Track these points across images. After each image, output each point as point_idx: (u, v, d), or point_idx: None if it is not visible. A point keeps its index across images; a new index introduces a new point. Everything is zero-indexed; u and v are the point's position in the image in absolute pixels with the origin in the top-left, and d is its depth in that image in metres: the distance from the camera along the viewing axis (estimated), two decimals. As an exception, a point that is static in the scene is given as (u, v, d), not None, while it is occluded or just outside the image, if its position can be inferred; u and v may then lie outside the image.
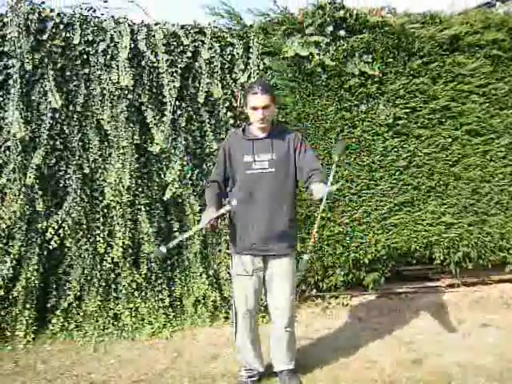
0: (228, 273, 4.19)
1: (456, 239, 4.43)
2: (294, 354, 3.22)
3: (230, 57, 4.11)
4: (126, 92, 3.87)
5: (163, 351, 3.72)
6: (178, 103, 3.99)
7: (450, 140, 4.37)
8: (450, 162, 4.39)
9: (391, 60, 4.22)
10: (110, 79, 3.85)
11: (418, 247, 4.41)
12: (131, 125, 3.91)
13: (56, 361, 3.60)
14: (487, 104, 4.41)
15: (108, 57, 3.87)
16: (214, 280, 4.22)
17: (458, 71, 4.32)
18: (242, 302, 3.01)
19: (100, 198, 3.98)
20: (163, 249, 2.70)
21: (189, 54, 4.00)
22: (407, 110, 4.29)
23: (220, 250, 4.21)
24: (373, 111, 4.26)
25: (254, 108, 2.86)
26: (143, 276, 4.03)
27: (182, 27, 4.03)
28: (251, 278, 2.98)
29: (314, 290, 4.42)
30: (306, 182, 2.91)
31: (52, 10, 3.84)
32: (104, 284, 4.00)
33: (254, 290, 3.01)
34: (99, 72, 3.87)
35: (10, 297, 3.84)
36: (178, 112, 4.01)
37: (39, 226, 3.86)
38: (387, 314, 4.27)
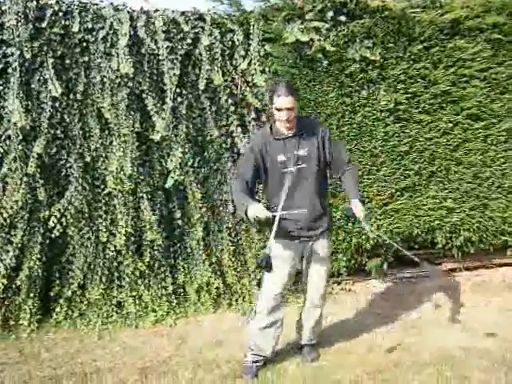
0: (231, 260, 4.20)
1: (458, 224, 4.43)
2: (319, 331, 3.38)
3: (230, 43, 4.09)
4: (126, 80, 3.85)
5: (167, 338, 3.74)
6: (178, 90, 3.97)
7: (451, 125, 4.36)
8: (451, 147, 4.39)
9: (392, 45, 4.20)
10: (109, 67, 3.83)
11: (419, 232, 4.42)
12: (132, 113, 3.90)
13: (60, 349, 3.61)
14: (488, 88, 4.39)
15: (108, 44, 3.84)
16: (217, 267, 4.23)
17: (458, 56, 4.30)
18: (277, 284, 3.08)
19: (102, 187, 3.97)
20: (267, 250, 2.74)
21: (189, 41, 3.98)
22: (408, 95, 4.27)
23: (222, 238, 4.22)
24: (374, 97, 4.25)
25: (279, 109, 2.92)
26: (146, 264, 4.04)
27: (182, 14, 4.00)
28: (288, 262, 3.08)
29: (317, 276, 4.43)
30: (339, 175, 3.12)
31: (50, -2, 3.81)
32: (107, 272, 4.01)
33: (289, 275, 3.11)
34: (99, 60, 3.85)
35: (14, 286, 3.84)
36: (179, 99, 4.00)
37: (41, 215, 3.85)
38: (390, 298, 4.29)
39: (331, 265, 3.32)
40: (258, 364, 3.18)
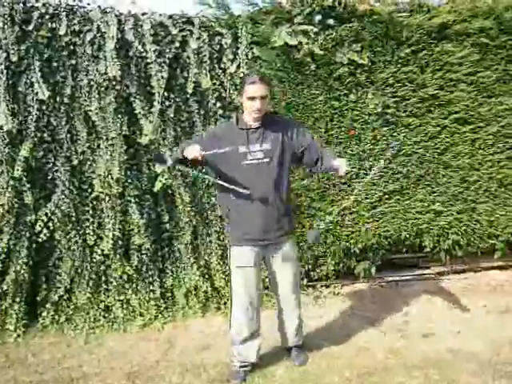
0: (219, 263, 4.19)
1: (446, 227, 4.45)
2: (302, 332, 3.35)
3: (218, 46, 4.08)
4: (114, 83, 3.83)
5: (155, 343, 3.72)
6: (166, 94, 3.95)
7: (438, 128, 4.38)
8: (439, 151, 4.41)
9: (380, 49, 4.22)
10: (97, 70, 3.81)
11: (408, 235, 4.43)
12: (119, 116, 3.88)
13: (47, 354, 3.58)
14: (475, 92, 4.41)
15: (95, 47, 3.82)
16: (205, 271, 4.21)
17: (446, 59, 4.32)
18: (244, 293, 3.03)
19: (89, 190, 3.94)
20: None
21: (177, 44, 3.96)
22: (396, 99, 4.28)
23: (211, 241, 4.20)
24: (362, 100, 4.26)
25: (252, 98, 2.84)
26: (134, 268, 4.01)
27: (170, 17, 3.99)
28: (252, 268, 3.01)
29: (305, 280, 4.42)
30: (316, 162, 2.98)
31: (37, 0, 3.77)
32: (94, 276, 3.98)
33: (256, 281, 3.05)
34: (86, 63, 3.83)
35: (0, 290, 3.80)
36: (167, 103, 3.98)
37: (28, 218, 3.82)
38: (378, 302, 4.29)
39: (299, 269, 3.24)
40: (245, 369, 3.17)
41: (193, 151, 2.75)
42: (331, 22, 4.14)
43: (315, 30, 4.09)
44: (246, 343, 3.13)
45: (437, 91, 4.32)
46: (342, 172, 2.80)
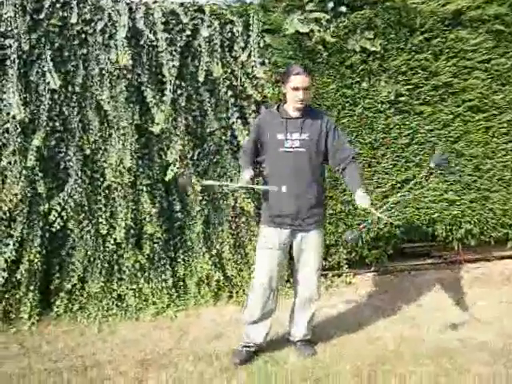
0: (231, 253, 4.19)
1: (458, 216, 4.42)
2: (311, 327, 3.34)
3: (229, 34, 4.06)
4: (125, 72, 3.83)
5: (167, 331, 3.74)
6: (177, 82, 3.94)
7: (452, 117, 4.34)
8: (452, 139, 4.37)
9: (393, 36, 4.18)
10: (108, 59, 3.81)
11: (420, 224, 4.41)
12: (131, 105, 3.88)
13: (61, 342, 3.61)
14: (489, 80, 4.36)
15: (106, 36, 3.82)
16: (217, 260, 4.22)
17: (460, 47, 4.27)
18: (265, 274, 3.10)
19: (101, 180, 3.96)
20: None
21: (188, 33, 3.95)
22: (409, 87, 4.25)
23: (223, 230, 4.21)
24: (374, 88, 4.23)
25: (296, 88, 2.95)
26: (146, 257, 4.03)
27: (181, 5, 3.97)
28: (277, 251, 3.08)
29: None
30: (339, 169, 3.09)
31: (48, -11, 3.78)
32: (107, 265, 4.00)
33: (279, 264, 3.11)
34: (98, 52, 3.83)
35: (14, 279, 3.83)
36: (178, 91, 3.97)
37: (41, 208, 3.85)
38: (390, 291, 4.28)
39: (322, 259, 3.28)
40: (248, 349, 3.20)
41: (244, 179, 3.05)
42: (343, 9, 4.10)
43: (327, 17, 4.06)
44: (255, 324, 3.18)
45: (450, 79, 4.28)
46: (359, 206, 2.93)
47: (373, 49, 4.11)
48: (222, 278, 4.17)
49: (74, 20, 3.73)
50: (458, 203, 4.41)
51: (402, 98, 4.25)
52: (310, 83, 3.01)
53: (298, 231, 3.10)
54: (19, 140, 3.74)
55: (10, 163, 3.76)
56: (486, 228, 4.50)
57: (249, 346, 3.21)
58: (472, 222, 4.45)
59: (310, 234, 3.11)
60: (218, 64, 3.99)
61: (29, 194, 3.80)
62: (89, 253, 3.97)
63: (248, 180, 3.03)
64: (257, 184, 3.30)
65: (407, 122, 4.30)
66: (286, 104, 3.10)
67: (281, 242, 3.08)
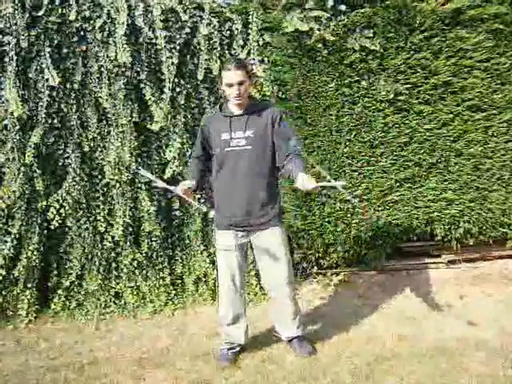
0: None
1: (457, 215, 4.41)
2: (301, 320, 3.27)
3: (228, 33, 4.05)
4: (124, 69, 3.83)
5: (165, 329, 3.74)
6: (176, 80, 3.94)
7: (451, 116, 4.32)
8: (452, 138, 4.35)
9: (392, 35, 4.16)
10: (107, 56, 3.80)
11: (418, 223, 4.40)
12: (130, 102, 3.88)
13: (58, 339, 3.62)
14: (489, 79, 4.34)
15: (105, 33, 3.82)
16: (215, 258, 4.21)
17: (459, 46, 4.25)
18: (227, 276, 3.09)
19: (99, 177, 3.96)
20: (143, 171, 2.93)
21: (187, 30, 3.95)
22: (408, 86, 4.23)
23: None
24: (373, 87, 4.22)
25: (229, 85, 2.88)
26: (144, 255, 4.03)
27: (180, 2, 3.96)
28: (235, 252, 3.05)
29: (315, 268, 4.42)
30: (282, 163, 2.95)
31: (47, -14, 3.77)
32: (105, 263, 4.01)
33: (238, 265, 3.09)
34: (96, 49, 3.82)
35: (12, 276, 3.84)
36: (177, 89, 3.97)
37: (39, 205, 3.85)
38: (388, 290, 4.28)
39: (288, 256, 3.15)
40: (233, 351, 3.19)
41: (182, 189, 2.99)
42: (343, 7, 4.11)
43: (327, 15, 4.05)
44: (233, 325, 3.18)
45: (450, 78, 4.26)
46: (304, 187, 2.73)
47: (372, 47, 4.10)
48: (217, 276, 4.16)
49: (72, 17, 3.73)
50: (456, 202, 4.40)
51: (402, 97, 4.23)
52: (242, 77, 2.87)
53: (253, 231, 3.05)
54: (17, 137, 3.74)
55: (8, 160, 3.77)
56: (484, 227, 4.48)
57: (233, 348, 3.20)
58: (471, 221, 4.43)
59: (265, 233, 3.05)
60: (217, 62, 3.99)
61: (27, 191, 3.81)
62: (87, 250, 3.97)
63: (184, 189, 2.97)
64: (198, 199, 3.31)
65: (406, 121, 4.28)
66: (228, 102, 3.02)
67: (237, 244, 3.04)
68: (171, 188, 2.97)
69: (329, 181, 2.74)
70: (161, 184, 2.97)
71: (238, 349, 3.21)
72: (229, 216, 3.02)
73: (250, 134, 2.93)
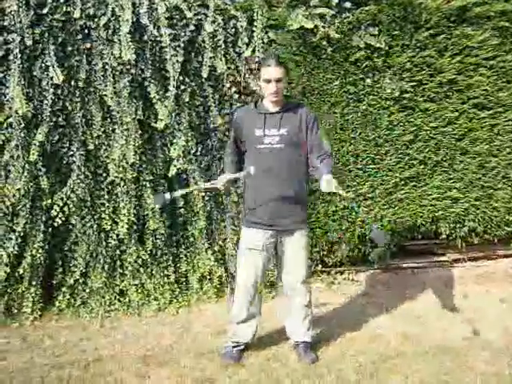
0: (234, 249, 4.18)
1: (462, 214, 4.40)
2: (311, 326, 3.23)
3: (233, 30, 4.04)
4: (129, 67, 3.82)
5: (169, 327, 3.74)
6: (181, 78, 3.93)
7: (456, 114, 4.32)
8: (457, 136, 4.34)
9: (397, 32, 4.15)
10: (112, 54, 3.79)
11: (423, 222, 4.39)
12: (134, 100, 3.87)
13: (63, 337, 3.61)
14: (495, 77, 4.33)
15: (110, 31, 3.80)
16: (220, 256, 4.22)
17: (465, 43, 4.24)
18: (248, 275, 3.05)
19: (104, 175, 3.95)
20: (167, 195, 2.81)
21: (192, 28, 3.93)
22: (413, 84, 4.23)
23: (225, 226, 4.20)
24: (378, 85, 4.21)
25: (268, 81, 2.87)
26: (148, 252, 4.03)
27: (185, 0, 3.95)
28: (261, 252, 3.01)
29: (320, 266, 4.42)
30: (314, 164, 2.93)
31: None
32: (109, 260, 4.00)
33: (263, 265, 3.05)
34: (101, 47, 3.81)
35: (16, 274, 3.84)
36: (182, 87, 3.96)
37: (44, 203, 3.85)
38: (393, 288, 4.28)
39: (307, 259, 3.16)
40: (238, 348, 3.18)
41: (221, 180, 3.00)
42: (348, 4, 4.08)
43: (332, 12, 4.04)
44: (243, 324, 3.15)
45: (455, 76, 4.25)
46: (323, 189, 2.75)
47: (377, 45, 4.09)
48: (224, 274, 4.17)
49: (77, 15, 3.71)
50: (461, 201, 4.39)
51: (407, 95, 4.23)
52: (282, 74, 2.88)
53: (281, 232, 3.01)
54: (22, 135, 3.74)
55: (12, 158, 3.76)
56: (489, 226, 4.48)
57: (238, 345, 3.18)
58: (476, 220, 4.43)
59: (294, 235, 3.02)
60: (221, 60, 3.97)
61: (31, 189, 3.80)
62: (91, 248, 3.97)
63: (224, 182, 2.98)
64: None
65: (411, 119, 4.28)
66: (264, 99, 3.01)
67: (263, 243, 3.01)
68: (211, 185, 2.97)
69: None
70: (201, 187, 2.95)
71: (243, 347, 3.20)
72: (258, 214, 2.98)
73: (284, 132, 2.91)
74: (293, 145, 2.93)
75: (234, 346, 3.18)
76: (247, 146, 3.01)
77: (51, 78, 3.72)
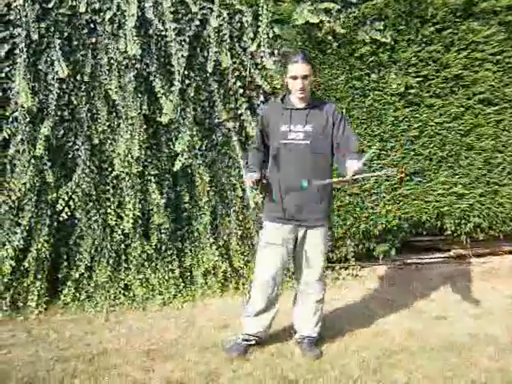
0: (238, 244, 4.19)
1: (467, 210, 4.39)
2: (319, 322, 3.23)
3: (238, 25, 4.03)
4: (134, 61, 3.82)
5: (174, 321, 3.75)
6: (186, 73, 3.93)
7: (462, 109, 4.30)
8: (462, 132, 4.33)
9: (403, 27, 4.13)
10: (117, 48, 3.80)
11: (428, 218, 4.38)
12: (139, 95, 3.87)
13: (68, 330, 3.63)
14: (501, 72, 4.31)
15: (115, 25, 3.81)
16: (224, 251, 4.22)
17: (471, 38, 4.21)
18: (267, 270, 3.05)
19: (109, 170, 3.96)
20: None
21: (197, 23, 3.93)
22: (419, 79, 4.21)
23: (230, 221, 4.20)
24: (384, 80, 4.19)
25: (294, 77, 2.88)
26: (153, 247, 4.04)
27: (190, -6, 3.95)
28: (281, 247, 3.02)
29: (325, 261, 4.42)
30: (339, 161, 2.93)
31: (58, -22, 3.77)
32: (114, 255, 4.02)
33: (282, 260, 3.06)
34: (106, 41, 3.82)
35: (22, 268, 3.86)
36: (187, 82, 3.96)
37: (49, 197, 3.86)
38: (398, 284, 4.27)
39: (326, 257, 3.18)
40: (247, 343, 3.18)
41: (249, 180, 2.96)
42: (353, -2, 4.05)
43: (337, 7, 4.01)
44: (258, 316, 3.15)
45: (461, 71, 4.23)
46: (350, 171, 2.68)
47: (383, 40, 4.07)
48: (228, 268, 4.18)
49: (82, 9, 3.72)
50: (467, 197, 4.38)
51: (412, 91, 4.21)
52: (309, 71, 2.88)
53: (302, 227, 3.02)
54: (28, 129, 3.75)
55: (18, 152, 3.78)
56: (495, 222, 4.46)
57: (248, 340, 3.19)
58: (481, 215, 4.41)
59: (314, 230, 3.03)
60: (226, 54, 3.97)
61: (37, 183, 3.82)
62: (96, 242, 3.98)
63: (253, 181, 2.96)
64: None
65: (417, 115, 4.26)
66: (290, 94, 3.01)
67: (284, 238, 3.02)
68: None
69: (373, 171, 2.69)
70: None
71: (252, 342, 3.19)
72: (281, 209, 2.98)
73: (310, 129, 2.92)
74: (318, 141, 2.93)
75: (244, 339, 3.18)
76: (271, 141, 3.02)
77: (57, 73, 3.72)
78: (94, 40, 3.82)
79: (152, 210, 4.02)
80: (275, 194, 3.02)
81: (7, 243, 3.80)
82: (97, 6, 3.78)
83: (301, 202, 2.96)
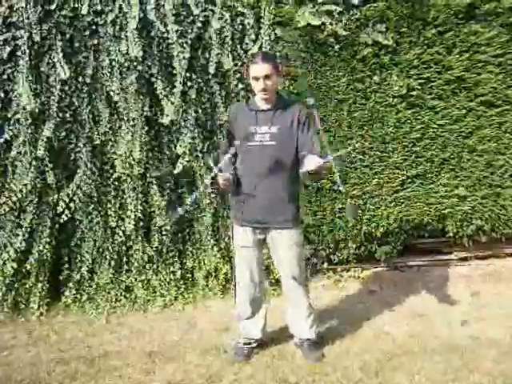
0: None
1: (469, 212, 4.37)
2: (314, 323, 3.22)
3: (240, 27, 4.02)
4: (136, 63, 3.81)
5: (175, 323, 3.75)
6: (188, 74, 3.92)
7: (464, 111, 4.28)
8: (464, 134, 4.31)
9: (405, 29, 4.11)
10: (119, 50, 3.79)
11: (430, 220, 4.36)
12: (141, 97, 3.87)
13: (69, 332, 3.64)
14: (503, 74, 4.28)
15: (117, 27, 3.80)
16: (226, 253, 4.21)
17: (473, 41, 4.19)
18: (244, 273, 3.07)
19: (111, 171, 3.97)
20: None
21: (199, 24, 3.92)
22: (421, 81, 4.19)
23: (231, 223, 4.19)
24: (386, 82, 4.18)
25: (255, 78, 2.83)
26: (155, 249, 4.04)
27: (192, -4, 3.95)
28: (253, 248, 3.03)
29: (326, 263, 4.41)
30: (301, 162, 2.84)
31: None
32: (116, 257, 4.02)
33: (256, 262, 3.06)
34: (108, 43, 3.82)
35: (23, 269, 3.87)
36: (189, 83, 3.95)
37: (50, 198, 3.87)
38: (399, 286, 4.26)
39: (302, 259, 3.14)
40: (249, 346, 3.19)
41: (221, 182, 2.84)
42: (355, 1, 4.04)
43: (339, 9, 4.00)
44: (249, 320, 3.17)
45: (463, 73, 4.21)
46: (308, 168, 2.61)
47: (385, 42, 4.06)
48: (230, 271, 4.16)
49: (84, 11, 3.72)
50: (469, 199, 4.36)
51: (414, 93, 4.19)
52: (271, 70, 2.80)
53: (270, 230, 2.99)
54: (29, 131, 3.76)
55: (20, 153, 3.79)
56: (497, 224, 4.44)
57: (249, 343, 3.19)
58: (483, 218, 4.39)
59: (283, 233, 2.98)
60: (228, 56, 3.96)
61: (38, 185, 3.83)
62: (98, 244, 3.99)
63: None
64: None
65: (419, 117, 4.24)
66: (255, 96, 2.96)
67: (254, 240, 3.00)
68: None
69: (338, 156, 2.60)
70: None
71: (254, 344, 3.20)
72: (248, 212, 2.96)
73: (275, 130, 2.87)
74: (284, 143, 2.88)
75: (245, 343, 3.19)
76: (238, 143, 2.91)
77: (58, 74, 3.73)
78: (95, 42, 3.82)
79: (153, 211, 4.02)
80: (241, 197, 2.98)
81: (9, 245, 3.81)
82: (99, 7, 3.77)
83: (266, 205, 2.92)
